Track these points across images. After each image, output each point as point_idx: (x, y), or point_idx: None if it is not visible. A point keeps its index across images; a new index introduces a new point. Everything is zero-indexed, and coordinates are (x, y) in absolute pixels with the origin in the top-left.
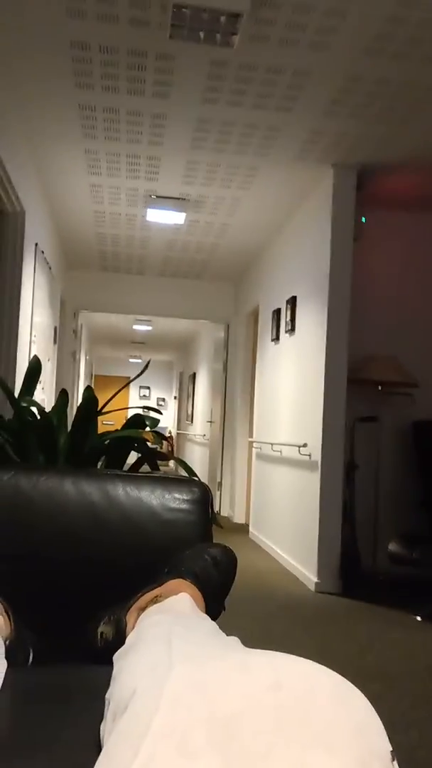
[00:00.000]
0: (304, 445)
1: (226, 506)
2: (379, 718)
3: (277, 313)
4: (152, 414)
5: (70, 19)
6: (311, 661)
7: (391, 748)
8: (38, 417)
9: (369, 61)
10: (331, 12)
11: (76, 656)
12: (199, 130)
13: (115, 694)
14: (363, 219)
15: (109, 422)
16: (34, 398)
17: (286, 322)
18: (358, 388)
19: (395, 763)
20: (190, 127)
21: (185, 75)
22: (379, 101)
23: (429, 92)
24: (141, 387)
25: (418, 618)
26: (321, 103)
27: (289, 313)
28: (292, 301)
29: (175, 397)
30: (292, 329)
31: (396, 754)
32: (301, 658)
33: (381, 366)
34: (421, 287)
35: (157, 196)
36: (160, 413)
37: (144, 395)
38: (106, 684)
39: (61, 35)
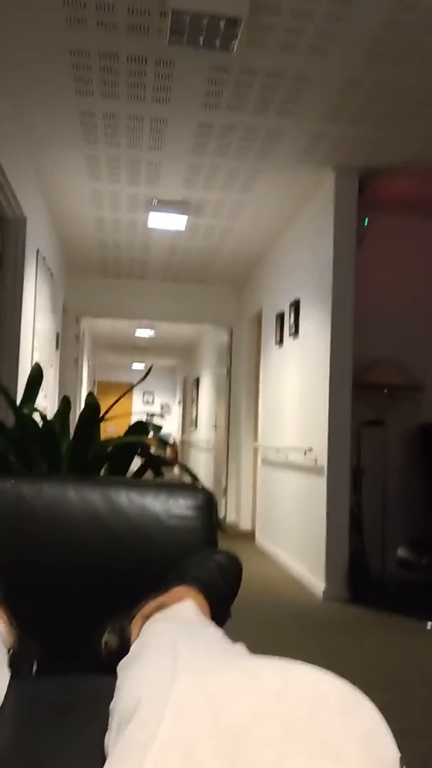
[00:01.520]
0: (310, 450)
1: (232, 512)
2: (387, 725)
3: (281, 316)
4: (155, 420)
5: (69, 28)
6: (318, 669)
7: (399, 755)
8: (40, 424)
9: (368, 65)
10: (329, 17)
11: (81, 666)
12: (199, 135)
13: (119, 704)
14: (366, 221)
15: (113, 428)
16: (35, 405)
17: (289, 325)
18: (364, 391)
19: None
20: (191, 131)
21: (185, 80)
22: (379, 105)
23: (428, 95)
24: (145, 392)
25: (429, 625)
26: (321, 107)
27: (292, 316)
28: (296, 305)
29: (179, 402)
30: (296, 333)
31: (407, 762)
32: (308, 666)
33: (386, 369)
34: (425, 290)
35: (159, 201)
36: (162, 417)
37: (147, 401)
38: (110, 694)
39: (61, 43)
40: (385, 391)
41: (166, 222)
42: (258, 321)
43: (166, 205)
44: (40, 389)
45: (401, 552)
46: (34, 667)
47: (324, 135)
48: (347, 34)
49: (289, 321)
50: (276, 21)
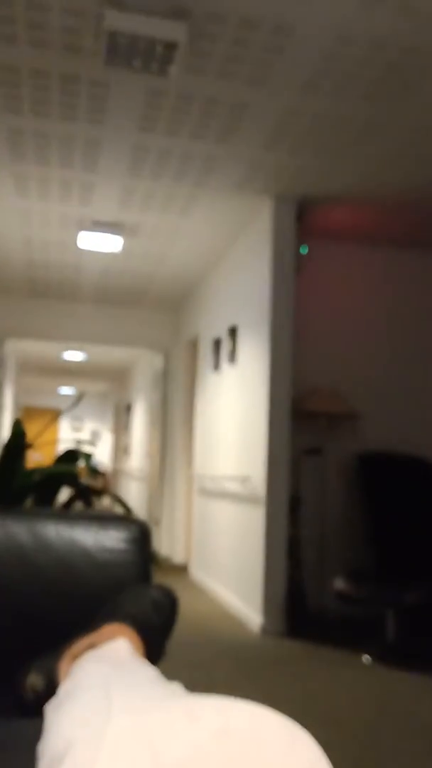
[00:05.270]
0: (247, 478)
1: (165, 545)
2: (327, 760)
3: (218, 342)
4: (86, 448)
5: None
6: (257, 704)
7: None
8: None
9: (307, 96)
10: (269, 47)
11: (4, 709)
12: (135, 158)
13: (49, 745)
14: (304, 249)
15: (38, 456)
16: None
17: (227, 351)
18: (303, 420)
19: None
20: (127, 153)
21: (121, 102)
22: (317, 135)
23: (365, 127)
24: (74, 418)
25: (366, 659)
26: (260, 136)
27: (230, 342)
28: (233, 331)
29: (111, 429)
30: (233, 359)
31: None
32: (247, 702)
33: (325, 397)
34: (362, 318)
35: (92, 222)
36: (93, 444)
37: (76, 427)
38: (37, 737)
39: None
40: (324, 419)
41: (99, 243)
42: (194, 346)
43: (99, 226)
44: None
45: (339, 584)
46: None
47: (262, 163)
48: (286, 65)
49: (227, 347)
50: (215, 48)
